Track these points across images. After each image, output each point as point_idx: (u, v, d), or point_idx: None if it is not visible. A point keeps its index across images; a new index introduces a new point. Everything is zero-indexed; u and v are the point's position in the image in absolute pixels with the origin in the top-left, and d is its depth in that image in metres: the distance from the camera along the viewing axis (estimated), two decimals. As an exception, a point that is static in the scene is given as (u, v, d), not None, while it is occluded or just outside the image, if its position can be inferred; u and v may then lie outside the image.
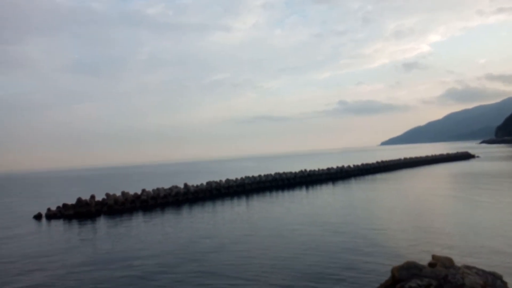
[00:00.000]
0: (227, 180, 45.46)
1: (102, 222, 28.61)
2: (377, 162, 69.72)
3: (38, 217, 32.36)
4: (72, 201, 35.03)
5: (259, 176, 49.32)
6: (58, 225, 28.45)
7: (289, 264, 14.71)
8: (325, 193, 38.84)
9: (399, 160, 75.98)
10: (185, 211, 31.68)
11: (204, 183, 43.92)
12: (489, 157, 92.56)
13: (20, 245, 21.80)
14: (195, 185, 42.63)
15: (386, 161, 71.69)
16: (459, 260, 12.65)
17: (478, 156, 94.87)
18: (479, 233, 18.02)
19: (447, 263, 8.67)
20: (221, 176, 61.52)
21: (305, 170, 55.04)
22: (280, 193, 40.96)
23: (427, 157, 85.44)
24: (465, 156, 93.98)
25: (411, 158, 79.47)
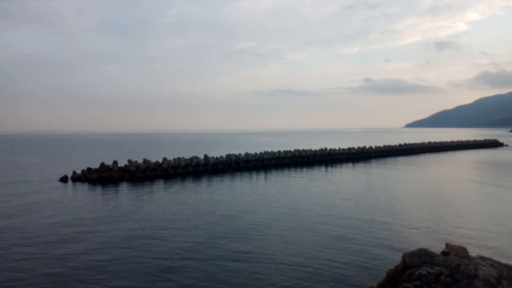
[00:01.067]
0: (247, 154, 45.82)
1: (124, 188, 29.58)
2: (400, 145, 68.48)
3: (64, 179, 33.70)
4: (96, 165, 36.24)
5: (278, 152, 49.43)
6: (83, 189, 29.60)
7: (304, 244, 14.95)
8: (344, 173, 38.70)
9: (423, 144, 74.39)
10: (204, 182, 32.32)
11: (224, 155, 44.43)
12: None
13: (54, 210, 22.92)
14: (215, 157, 43.20)
15: (409, 144, 70.33)
16: (475, 251, 12.58)
17: (507, 145, 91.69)
18: (501, 223, 17.72)
19: (461, 252, 8.63)
20: (240, 149, 61.98)
21: (325, 149, 54.75)
22: (298, 170, 41.07)
23: (452, 142, 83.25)
24: (493, 144, 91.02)
25: (435, 143, 77.65)
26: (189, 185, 30.90)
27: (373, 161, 52.57)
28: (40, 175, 37.87)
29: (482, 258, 8.81)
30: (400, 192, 27.05)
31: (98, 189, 29.17)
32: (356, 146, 60.92)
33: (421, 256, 8.33)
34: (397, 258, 11.77)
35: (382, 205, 21.94)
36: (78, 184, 31.63)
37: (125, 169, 35.64)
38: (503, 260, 9.76)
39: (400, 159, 55.19)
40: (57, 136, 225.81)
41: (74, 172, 34.98)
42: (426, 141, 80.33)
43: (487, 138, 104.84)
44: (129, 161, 37.45)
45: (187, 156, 42.68)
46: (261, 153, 47.48)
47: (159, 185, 30.79)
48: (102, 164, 35.19)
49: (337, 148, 57.34)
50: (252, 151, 49.53)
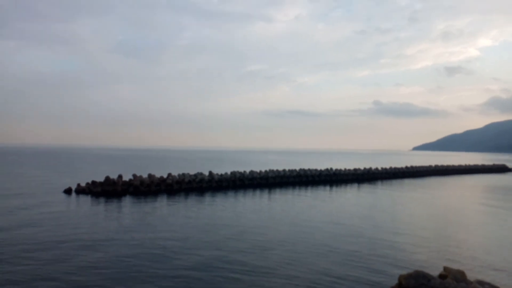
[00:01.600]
0: (251, 172, 45.76)
1: (127, 202, 29.64)
2: (406, 167, 67.96)
3: (68, 191, 33.92)
4: (101, 178, 36.45)
5: (284, 170, 49.30)
6: (86, 201, 29.72)
7: (303, 259, 14.82)
8: (349, 194, 38.39)
9: (430, 167, 73.70)
10: (208, 198, 32.27)
11: (229, 172, 44.43)
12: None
13: (56, 220, 23.05)
14: (219, 173, 43.23)
15: (415, 167, 69.74)
16: (475, 275, 12.34)
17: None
18: (504, 247, 17.38)
19: (459, 276, 8.49)
20: (246, 167, 62.00)
21: (331, 169, 54.49)
22: (303, 190, 40.85)
23: (459, 166, 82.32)
24: (501, 169, 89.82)
25: (442, 166, 76.88)
26: (193, 200, 30.87)
27: (379, 182, 52.13)
28: (45, 186, 38.14)
29: (480, 282, 8.65)
30: (405, 213, 26.72)
31: (101, 202, 29.26)
32: (362, 167, 60.59)
33: (418, 279, 8.22)
34: (396, 277, 11.59)
35: (386, 225, 21.69)
36: (81, 197, 31.77)
37: (129, 183, 35.78)
38: (502, 285, 9.57)
39: (406, 181, 54.64)
40: (66, 150, 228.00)
41: (78, 185, 35.20)
42: (433, 164, 79.61)
43: (496, 163, 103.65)
44: (134, 175, 37.62)
45: (192, 172, 42.77)
46: (266, 171, 47.39)
47: (162, 200, 30.79)
48: (107, 178, 35.37)
49: (342, 168, 57.05)
50: (257, 169, 49.48)
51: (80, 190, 34.18)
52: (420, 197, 36.35)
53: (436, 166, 75.79)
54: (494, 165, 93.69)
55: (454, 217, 25.81)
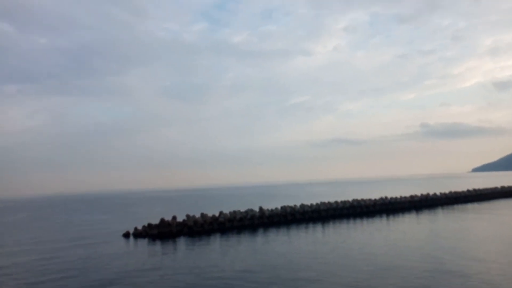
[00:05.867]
0: (302, 205, 44.82)
1: (182, 244, 29.87)
2: (468, 191, 63.47)
3: (126, 235, 34.94)
4: (156, 221, 37.30)
5: (336, 202, 47.82)
6: (144, 245, 30.32)
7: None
8: (408, 223, 36.19)
9: (495, 188, 68.32)
10: (260, 235, 31.76)
11: (279, 207, 43.81)
12: None
13: (117, 264, 23.66)
14: (270, 209, 42.73)
15: (479, 190, 64.96)
16: None
17: None
18: None
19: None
20: (296, 200, 60.93)
21: (386, 197, 52.10)
22: (358, 221, 39.14)
23: (529, 185, 75.55)
24: None
25: (510, 187, 70.96)
26: (245, 238, 30.51)
27: (439, 208, 48.88)
28: (105, 230, 39.62)
29: None
30: (474, 241, 24.49)
31: (157, 245, 29.71)
32: (419, 194, 57.42)
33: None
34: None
35: (455, 257, 19.90)
36: (139, 240, 32.51)
37: (183, 223, 36.27)
38: None
39: (470, 206, 50.82)
40: (122, 195, 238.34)
41: (135, 228, 36.20)
42: (498, 185, 73.76)
43: None
44: (187, 215, 38.16)
45: (243, 209, 42.64)
46: (317, 204, 46.21)
47: (215, 239, 30.72)
48: (162, 220, 36.14)
49: (398, 196, 54.36)
50: (307, 202, 48.41)
51: (137, 234, 35.08)
52: (489, 223, 33.42)
53: (503, 187, 70.11)
54: None
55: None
